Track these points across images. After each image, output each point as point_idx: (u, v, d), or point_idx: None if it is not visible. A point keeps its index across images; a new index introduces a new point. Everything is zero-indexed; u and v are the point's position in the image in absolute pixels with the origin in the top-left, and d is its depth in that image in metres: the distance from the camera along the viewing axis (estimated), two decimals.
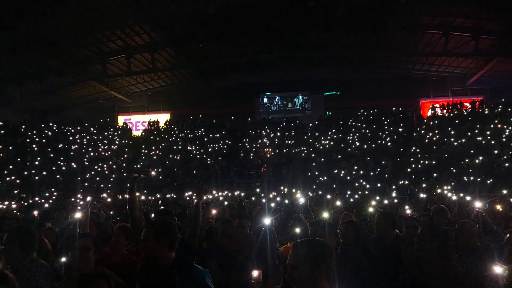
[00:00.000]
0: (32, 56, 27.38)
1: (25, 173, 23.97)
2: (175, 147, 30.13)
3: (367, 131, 29.13)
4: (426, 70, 34.99)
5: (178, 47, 30.59)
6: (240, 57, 32.34)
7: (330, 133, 29.96)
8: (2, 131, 27.86)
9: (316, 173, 24.30)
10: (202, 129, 33.04)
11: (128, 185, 4.13)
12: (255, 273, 3.65)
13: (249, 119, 34.93)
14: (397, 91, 35.90)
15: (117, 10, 23.72)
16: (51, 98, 34.62)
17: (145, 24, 26.82)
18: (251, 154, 28.11)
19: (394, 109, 32.55)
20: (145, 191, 20.11)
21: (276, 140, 30.10)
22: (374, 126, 29.83)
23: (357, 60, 33.42)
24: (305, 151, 27.66)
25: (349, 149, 27.12)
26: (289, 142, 29.68)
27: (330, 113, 35.19)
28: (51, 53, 27.10)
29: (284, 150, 28.20)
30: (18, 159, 25.40)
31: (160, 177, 24.83)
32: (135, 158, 28.36)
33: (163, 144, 30.50)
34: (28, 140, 28.18)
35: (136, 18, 25.35)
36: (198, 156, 28.41)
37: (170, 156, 28.47)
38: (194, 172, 26.19)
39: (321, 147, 27.80)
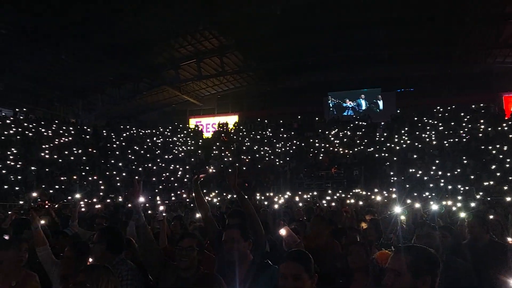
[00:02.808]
0: (112, 65, 29.41)
1: (107, 173, 25.62)
2: (244, 148, 30.61)
3: (444, 128, 27.55)
4: (510, 63, 32.29)
5: (246, 50, 31.06)
6: (307, 56, 32.10)
7: (403, 131, 28.74)
8: (87, 136, 30.02)
9: (391, 173, 23.41)
10: (270, 130, 33.26)
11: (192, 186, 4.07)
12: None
13: (317, 118, 34.53)
14: (476, 86, 33.48)
15: (188, 18, 24.73)
16: (128, 103, 36.75)
17: (214, 29, 27.60)
18: (321, 155, 27.71)
19: (474, 106, 30.41)
20: (216, 191, 20.70)
21: (347, 139, 29.44)
22: (452, 123, 28.16)
23: (431, 55, 31.71)
24: (378, 151, 26.77)
25: (425, 148, 25.81)
26: (360, 141, 28.87)
27: (399, 110, 33.71)
28: (128, 61, 28.88)
29: (355, 150, 27.50)
30: (102, 161, 27.20)
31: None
32: (206, 159, 29.20)
33: (232, 146, 31.11)
34: (108, 143, 30.12)
35: (205, 24, 26.16)
36: (267, 158, 28.57)
37: (240, 157, 28.93)
38: (263, 173, 26.39)
39: (394, 146, 26.74)
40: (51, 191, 19.54)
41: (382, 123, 31.51)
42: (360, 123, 32.49)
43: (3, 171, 20.35)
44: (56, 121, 30.02)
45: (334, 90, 37.24)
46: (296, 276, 2.38)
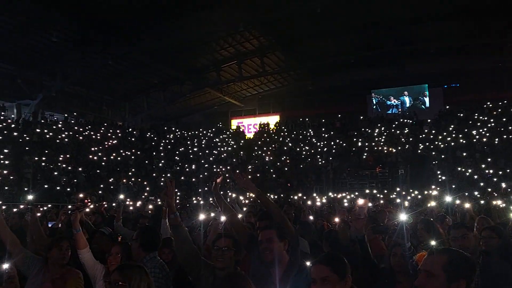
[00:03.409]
0: (156, 68, 30.33)
1: (153, 174, 26.39)
2: (285, 148, 30.54)
3: (496, 125, 26.20)
4: None
5: (287, 50, 31.00)
6: (349, 54, 31.54)
7: (451, 128, 27.59)
8: (132, 138, 31.07)
9: (438, 172, 22.54)
10: (311, 129, 33.01)
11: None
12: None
13: (361, 117, 33.89)
14: None
15: (228, 19, 25.03)
16: (172, 105, 37.66)
17: (255, 30, 27.74)
18: (365, 154, 27.14)
19: None
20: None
21: (391, 138, 28.66)
22: (504, 119, 26.73)
23: (480, 49, 30.23)
24: (424, 149, 25.86)
25: (474, 146, 24.65)
26: (406, 139, 28.01)
27: (448, 107, 32.35)
28: (172, 64, 29.65)
29: (400, 148, 26.71)
30: (147, 163, 28.05)
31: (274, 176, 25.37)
32: (248, 159, 29.39)
33: (273, 146, 31.12)
34: (153, 145, 31.04)
35: (246, 25, 26.36)
36: (308, 159, 28.34)
37: (282, 157, 28.90)
38: (305, 173, 26.22)
39: (442, 144, 25.73)
40: (99, 192, 20.40)
41: (429, 120, 30.38)
42: (406, 120, 31.51)
43: (55, 173, 21.43)
44: (105, 124, 31.28)
45: (377, 87, 36.36)
46: (324, 278, 2.36)
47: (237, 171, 3.82)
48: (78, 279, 3.46)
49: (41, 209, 11.53)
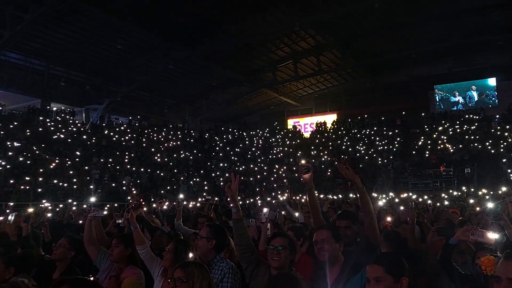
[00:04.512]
0: (215, 71, 31.07)
1: (212, 174, 27.02)
2: (343, 147, 30.00)
3: None
4: None
5: (343, 47, 30.42)
6: (410, 49, 30.22)
7: None
8: (192, 140, 32.02)
9: (509, 170, 21.07)
10: (370, 128, 32.17)
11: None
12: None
13: (423, 114, 32.46)
14: None
15: (284, 19, 25.06)
16: (230, 107, 38.34)
17: (311, 29, 27.50)
18: (427, 152, 25.99)
19: None
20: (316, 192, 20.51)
21: (457, 135, 27.19)
22: None
23: None
24: (493, 146, 24.27)
25: None
26: (473, 137, 26.44)
27: None
28: (230, 66, 30.19)
29: (466, 146, 25.27)
30: (207, 163, 28.77)
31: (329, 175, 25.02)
32: (305, 159, 29.20)
33: (330, 145, 30.70)
34: (212, 146, 31.80)
35: (301, 24, 26.21)
36: (367, 157, 27.65)
37: (340, 157, 28.43)
38: (365, 173, 25.58)
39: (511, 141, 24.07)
40: (161, 192, 21.23)
41: (498, 116, 28.43)
42: (472, 116, 29.75)
43: (120, 174, 22.57)
44: (167, 126, 32.52)
45: (440, 83, 34.64)
46: (377, 278, 2.34)
47: (344, 160, 3.72)
48: (136, 278, 3.54)
49: (106, 207, 12.25)
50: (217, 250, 3.40)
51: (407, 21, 26.12)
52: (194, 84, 33.47)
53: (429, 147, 26.72)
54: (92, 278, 2.58)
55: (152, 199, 17.49)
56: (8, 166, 18.06)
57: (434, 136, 28.02)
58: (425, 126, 29.79)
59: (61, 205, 11.77)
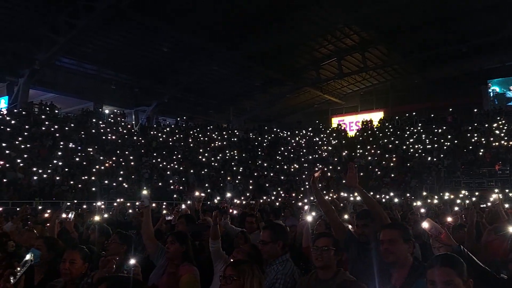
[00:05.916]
0: (258, 71, 31.21)
1: (255, 174, 27.18)
2: (390, 145, 29.21)
3: None
4: None
5: (389, 43, 29.57)
6: (460, 43, 28.80)
7: None
8: (236, 139, 32.36)
9: None
10: (420, 125, 31.12)
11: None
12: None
13: (475, 110, 30.98)
14: None
15: (327, 17, 24.74)
16: (273, 106, 38.38)
17: (355, 25, 26.98)
18: (481, 150, 24.77)
19: None
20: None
21: None
22: None
23: None
24: None
25: None
26: None
27: None
28: (273, 66, 30.23)
29: None
30: (250, 162, 28.99)
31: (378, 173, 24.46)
32: (350, 158, 28.71)
33: (377, 143, 29.98)
34: (256, 146, 31.98)
35: (346, 21, 25.79)
36: (417, 154, 26.76)
37: (387, 155, 27.72)
38: (413, 172, 24.80)
39: None
40: (208, 191, 21.62)
41: None
42: None
43: (168, 173, 23.22)
44: (212, 127, 33.09)
45: (493, 77, 32.89)
46: (448, 282, 2.21)
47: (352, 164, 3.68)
48: (193, 275, 3.59)
49: (153, 205, 12.60)
50: (282, 249, 3.39)
51: (455, 12, 25.00)
52: (237, 85, 33.81)
53: (483, 144, 25.48)
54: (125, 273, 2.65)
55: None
56: (65, 168, 19.07)
57: (488, 133, 26.66)
58: (478, 123, 28.40)
59: (115, 204, 12.24)
